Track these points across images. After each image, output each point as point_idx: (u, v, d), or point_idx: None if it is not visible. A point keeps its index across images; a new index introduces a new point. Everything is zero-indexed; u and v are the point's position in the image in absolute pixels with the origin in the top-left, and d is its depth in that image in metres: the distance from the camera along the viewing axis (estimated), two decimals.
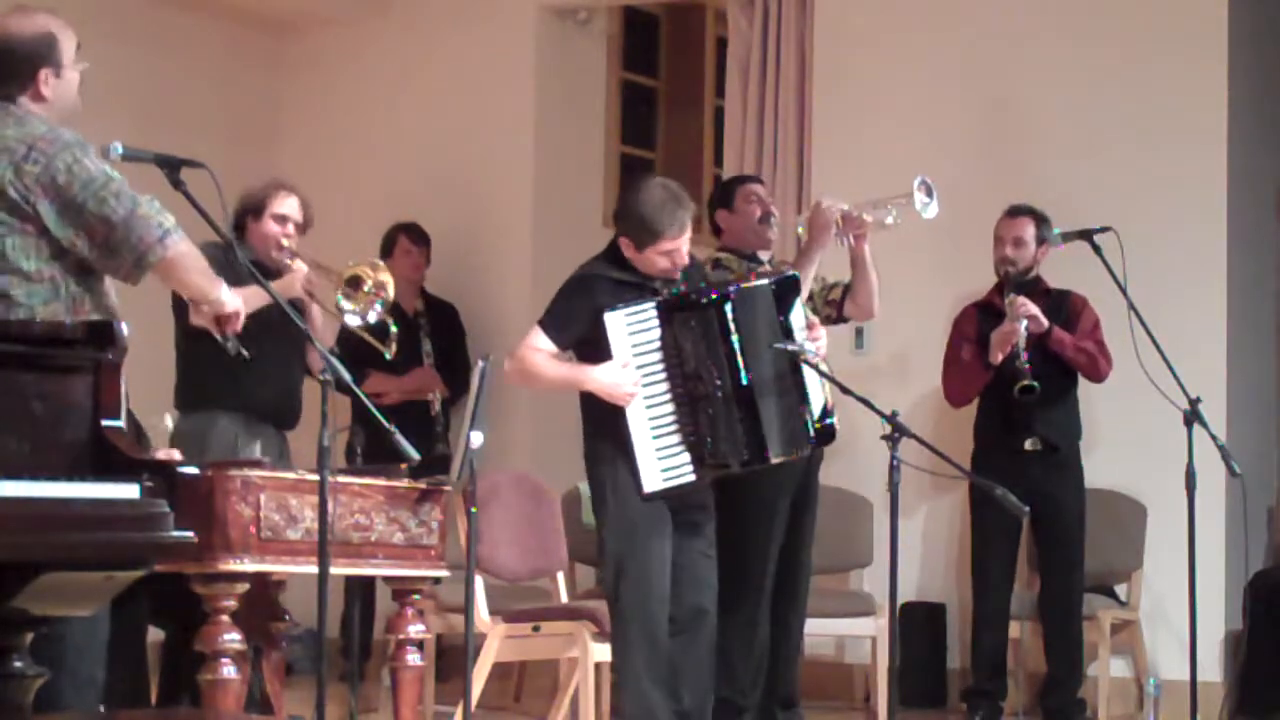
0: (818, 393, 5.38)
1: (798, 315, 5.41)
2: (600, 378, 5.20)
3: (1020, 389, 6.40)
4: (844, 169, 7.69)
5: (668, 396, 5.23)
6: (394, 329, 5.77)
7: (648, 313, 5.24)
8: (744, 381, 5.20)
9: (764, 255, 6.04)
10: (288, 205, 5.66)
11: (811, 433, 5.37)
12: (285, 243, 5.61)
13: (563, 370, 5.30)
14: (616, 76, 9.25)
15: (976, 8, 7.67)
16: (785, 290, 5.39)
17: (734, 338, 5.21)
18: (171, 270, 4.07)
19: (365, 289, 5.57)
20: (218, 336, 4.44)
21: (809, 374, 5.31)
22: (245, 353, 5.10)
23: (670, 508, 5.27)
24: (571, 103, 8.77)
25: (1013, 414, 6.59)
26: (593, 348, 5.24)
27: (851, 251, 5.98)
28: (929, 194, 5.79)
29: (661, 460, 5.21)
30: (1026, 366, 6.41)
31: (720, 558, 5.44)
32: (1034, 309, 6.52)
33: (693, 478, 5.23)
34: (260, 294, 4.89)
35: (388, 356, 5.92)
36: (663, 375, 5.23)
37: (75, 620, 3.89)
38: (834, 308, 6.17)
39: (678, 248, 5.24)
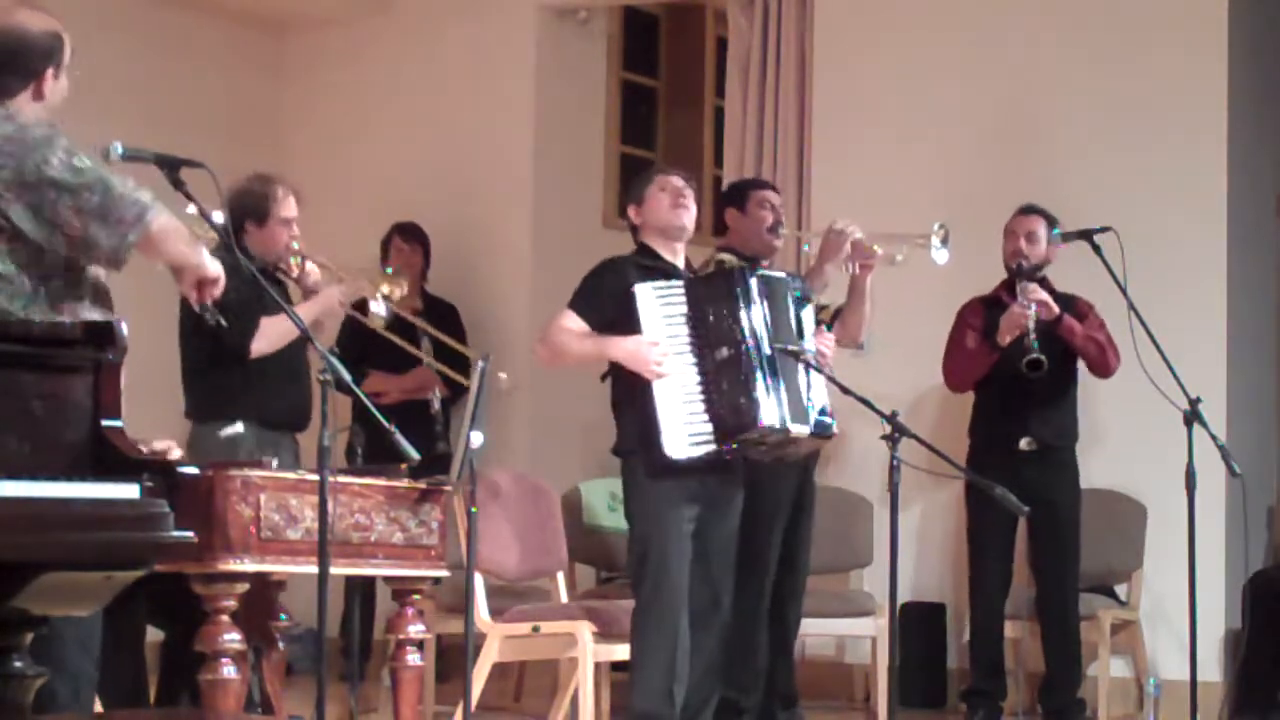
0: (821, 392, 5.45)
1: (809, 317, 5.50)
2: (625, 347, 5.27)
3: (1028, 362, 6.36)
4: (844, 169, 7.70)
5: (695, 368, 5.27)
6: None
7: (676, 289, 5.34)
8: (767, 350, 5.26)
9: (764, 262, 6.04)
10: (291, 206, 5.63)
11: (811, 418, 5.42)
12: (295, 245, 5.60)
13: (588, 343, 5.36)
14: (616, 76, 9.25)
15: (976, 8, 7.67)
16: (803, 295, 5.51)
17: (760, 306, 5.30)
18: (153, 245, 3.98)
19: (381, 290, 5.67)
20: (195, 305, 4.30)
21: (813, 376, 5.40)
22: (223, 321, 5.06)
23: (700, 500, 5.32)
24: (571, 103, 8.78)
25: (1009, 413, 6.59)
26: (623, 329, 5.29)
27: (853, 279, 6.00)
28: (944, 241, 5.84)
29: (687, 427, 5.24)
30: (1035, 345, 6.39)
31: None
32: (1044, 295, 6.50)
33: (713, 445, 5.25)
34: (302, 316, 5.03)
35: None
36: (689, 348, 5.29)
37: (69, 618, 3.88)
38: None
39: (672, 183, 5.47)
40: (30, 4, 4.16)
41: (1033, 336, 6.41)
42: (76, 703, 4.03)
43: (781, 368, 5.31)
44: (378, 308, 5.71)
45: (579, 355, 5.41)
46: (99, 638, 4.16)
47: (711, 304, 5.30)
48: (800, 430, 5.35)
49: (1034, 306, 6.45)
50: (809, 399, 5.40)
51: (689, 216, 5.51)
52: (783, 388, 5.29)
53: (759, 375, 5.24)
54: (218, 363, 5.51)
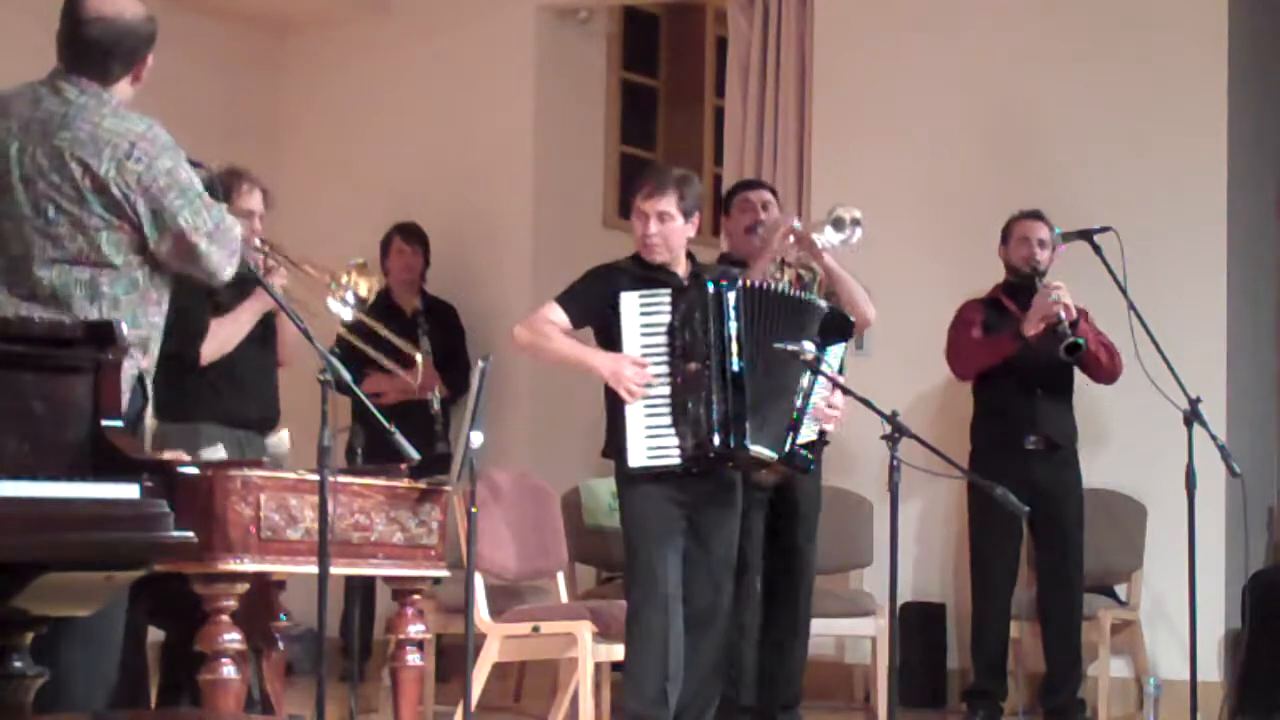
0: (812, 428, 5.39)
1: (835, 356, 5.44)
2: (604, 362, 5.24)
3: (1067, 347, 6.35)
4: (844, 169, 7.69)
5: (666, 380, 5.25)
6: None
7: (661, 297, 5.29)
8: (734, 367, 5.19)
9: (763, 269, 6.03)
10: (253, 200, 5.49)
11: (788, 446, 5.34)
12: (257, 242, 5.42)
13: (569, 345, 5.35)
14: (616, 76, 9.25)
15: (976, 8, 7.66)
16: (832, 323, 5.41)
17: (731, 324, 5.22)
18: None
19: (343, 280, 5.49)
20: None
21: (813, 411, 5.34)
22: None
23: (693, 503, 5.30)
24: (571, 103, 8.77)
25: (1013, 412, 6.60)
26: (608, 335, 5.30)
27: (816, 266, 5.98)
28: (838, 225, 5.78)
29: (650, 439, 5.22)
30: (1070, 329, 6.37)
31: None
32: (1068, 297, 6.48)
33: (677, 460, 5.24)
34: (249, 313, 4.98)
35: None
36: (665, 359, 5.26)
37: (97, 618, 3.87)
38: None
39: (643, 209, 5.29)
40: None
41: (1066, 322, 6.39)
42: (96, 701, 4.02)
43: (757, 385, 5.21)
44: (338, 307, 5.55)
45: (557, 352, 5.36)
46: (121, 638, 4.16)
47: (689, 315, 5.24)
48: (761, 452, 5.27)
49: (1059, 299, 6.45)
50: (792, 427, 5.32)
51: (660, 251, 5.33)
52: (750, 407, 5.20)
53: (722, 393, 5.18)
54: (181, 363, 5.48)
